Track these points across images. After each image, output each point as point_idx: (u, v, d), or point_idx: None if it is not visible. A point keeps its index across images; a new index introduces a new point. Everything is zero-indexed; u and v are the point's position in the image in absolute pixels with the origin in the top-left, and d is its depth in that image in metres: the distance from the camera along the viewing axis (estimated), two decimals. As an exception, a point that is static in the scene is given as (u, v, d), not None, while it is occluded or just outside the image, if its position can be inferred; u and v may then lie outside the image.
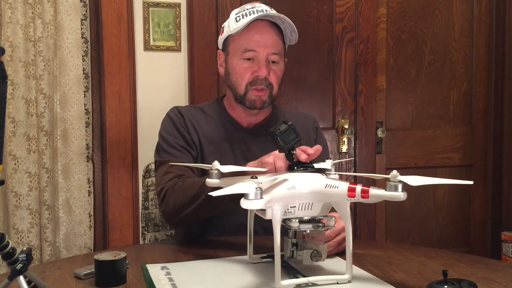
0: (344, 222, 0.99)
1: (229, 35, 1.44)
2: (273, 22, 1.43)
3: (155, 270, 1.08)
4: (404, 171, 0.88)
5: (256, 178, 0.91)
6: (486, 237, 2.64)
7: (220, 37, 1.50)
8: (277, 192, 0.93)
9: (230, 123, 1.50)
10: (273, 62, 1.42)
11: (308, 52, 2.34)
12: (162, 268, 1.10)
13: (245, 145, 1.47)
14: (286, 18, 1.40)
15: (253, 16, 1.37)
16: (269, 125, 1.49)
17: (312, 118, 1.63)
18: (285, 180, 0.95)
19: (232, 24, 1.42)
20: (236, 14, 1.42)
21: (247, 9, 1.41)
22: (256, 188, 0.87)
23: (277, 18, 1.40)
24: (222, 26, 1.49)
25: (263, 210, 0.93)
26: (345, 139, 2.36)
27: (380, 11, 2.41)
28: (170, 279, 1.02)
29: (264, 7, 1.42)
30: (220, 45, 1.51)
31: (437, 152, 2.54)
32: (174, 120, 1.47)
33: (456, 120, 2.58)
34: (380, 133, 2.42)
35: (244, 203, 0.88)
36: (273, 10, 1.43)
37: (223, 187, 0.89)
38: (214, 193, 0.85)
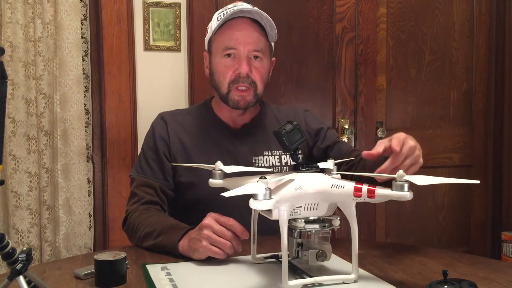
0: (350, 222, 0.99)
1: (212, 36, 1.43)
2: (255, 20, 1.40)
3: (155, 271, 1.07)
4: (404, 171, 0.88)
5: (265, 178, 0.90)
6: (486, 237, 2.64)
7: (205, 38, 1.48)
8: (285, 192, 0.92)
9: (217, 124, 1.47)
10: (256, 57, 1.39)
11: (308, 52, 2.34)
12: (162, 268, 1.09)
13: (233, 146, 1.44)
14: (264, 13, 1.37)
15: (230, 12, 1.35)
16: (257, 124, 1.48)
17: (302, 110, 1.59)
18: (291, 180, 0.94)
19: (213, 25, 1.40)
20: (218, 14, 1.40)
21: (228, 9, 1.38)
22: (265, 188, 0.87)
23: (255, 13, 1.37)
24: (207, 27, 1.46)
25: (268, 211, 0.93)
26: (345, 139, 2.36)
27: (380, 11, 2.41)
28: (171, 280, 1.01)
29: (246, 6, 1.38)
30: (206, 47, 1.49)
31: (437, 152, 2.54)
32: (156, 132, 1.46)
33: (456, 120, 2.58)
34: (380, 133, 2.42)
35: (253, 204, 0.87)
36: (256, 9, 1.40)
37: (228, 188, 0.88)
38: (225, 194, 0.85)
